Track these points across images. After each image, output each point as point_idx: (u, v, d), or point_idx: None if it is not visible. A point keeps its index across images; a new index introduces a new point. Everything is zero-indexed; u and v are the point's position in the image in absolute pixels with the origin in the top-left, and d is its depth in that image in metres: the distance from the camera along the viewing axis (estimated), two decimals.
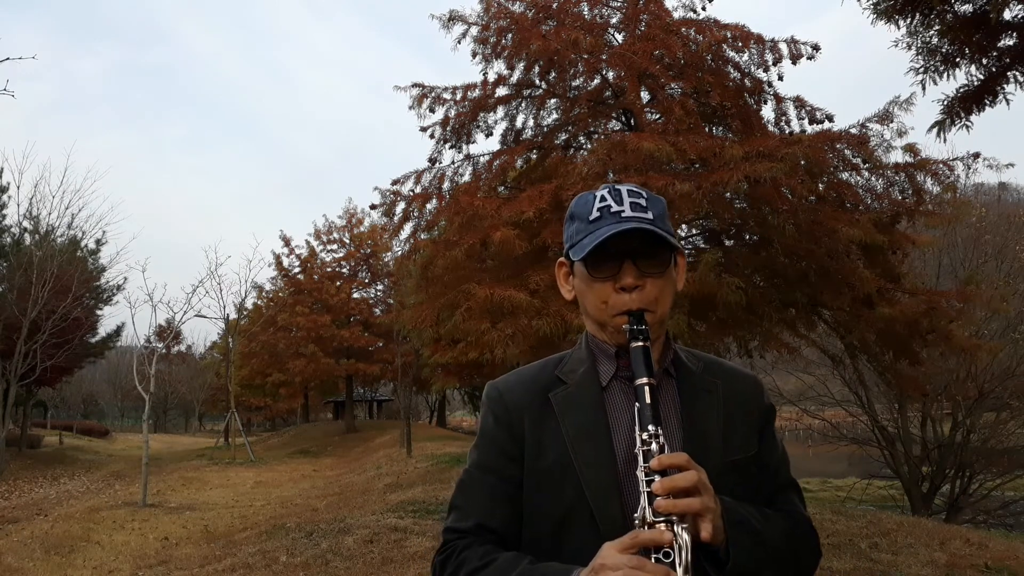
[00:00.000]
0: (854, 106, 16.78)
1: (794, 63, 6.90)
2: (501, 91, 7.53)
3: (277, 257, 28.36)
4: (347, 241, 29.10)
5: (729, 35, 6.92)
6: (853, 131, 6.32)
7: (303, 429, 32.91)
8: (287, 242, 28.49)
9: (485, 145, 13.99)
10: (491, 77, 7.47)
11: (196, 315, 19.32)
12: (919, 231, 7.60)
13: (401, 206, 7.50)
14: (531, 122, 7.69)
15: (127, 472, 18.42)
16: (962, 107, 3.91)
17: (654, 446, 1.00)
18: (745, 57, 7.04)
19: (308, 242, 28.84)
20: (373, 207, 7.72)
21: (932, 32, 3.82)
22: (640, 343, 1.08)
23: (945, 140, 7.50)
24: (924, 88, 4.00)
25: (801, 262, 6.40)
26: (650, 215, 1.13)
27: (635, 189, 1.17)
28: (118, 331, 26.83)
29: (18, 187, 25.13)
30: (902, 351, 6.63)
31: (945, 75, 3.90)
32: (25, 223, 20.27)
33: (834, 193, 6.47)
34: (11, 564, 7.55)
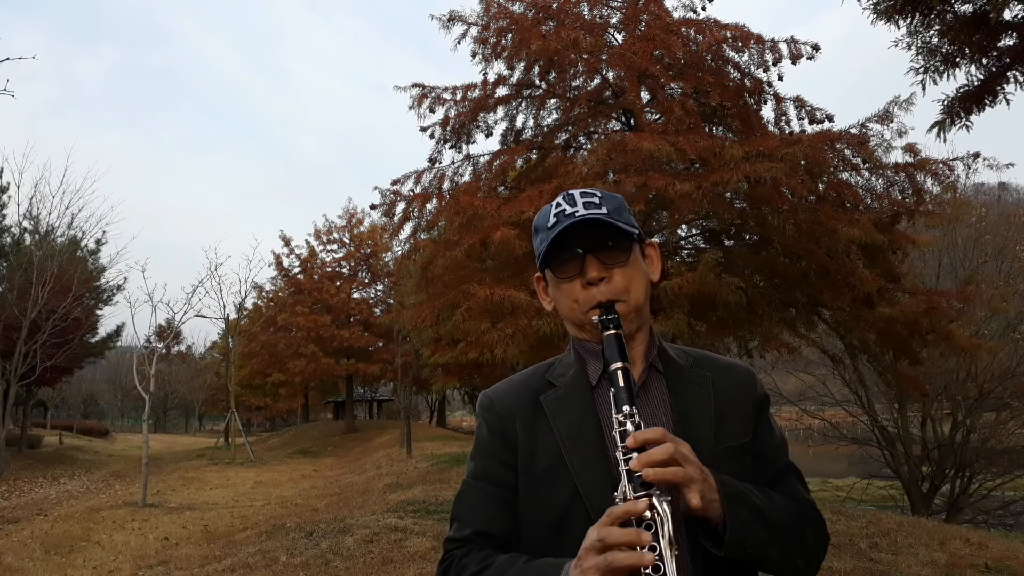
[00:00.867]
0: (854, 106, 16.76)
1: (794, 63, 6.91)
2: (501, 91, 7.55)
3: (277, 257, 28.39)
4: (347, 241, 29.07)
5: (729, 35, 6.92)
6: (853, 131, 6.32)
7: (303, 429, 32.89)
8: (287, 242, 28.51)
9: (485, 145, 14.03)
10: (491, 77, 7.49)
11: (196, 315, 19.44)
12: (919, 231, 7.60)
13: (401, 206, 7.51)
14: (531, 122, 7.71)
15: (127, 472, 18.42)
16: (962, 107, 3.91)
17: (629, 426, 1.01)
18: (745, 57, 7.05)
19: (308, 242, 28.87)
20: (373, 207, 7.72)
21: (932, 32, 3.82)
22: (612, 331, 1.10)
23: (945, 140, 7.50)
24: (924, 88, 3.99)
25: (801, 262, 6.40)
26: (604, 210, 1.15)
27: (588, 191, 1.20)
28: (118, 331, 26.95)
29: (18, 187, 25.25)
30: (902, 351, 6.63)
31: (945, 75, 3.89)
32: (25, 223, 20.36)
33: (834, 193, 6.47)
34: (11, 564, 7.54)
